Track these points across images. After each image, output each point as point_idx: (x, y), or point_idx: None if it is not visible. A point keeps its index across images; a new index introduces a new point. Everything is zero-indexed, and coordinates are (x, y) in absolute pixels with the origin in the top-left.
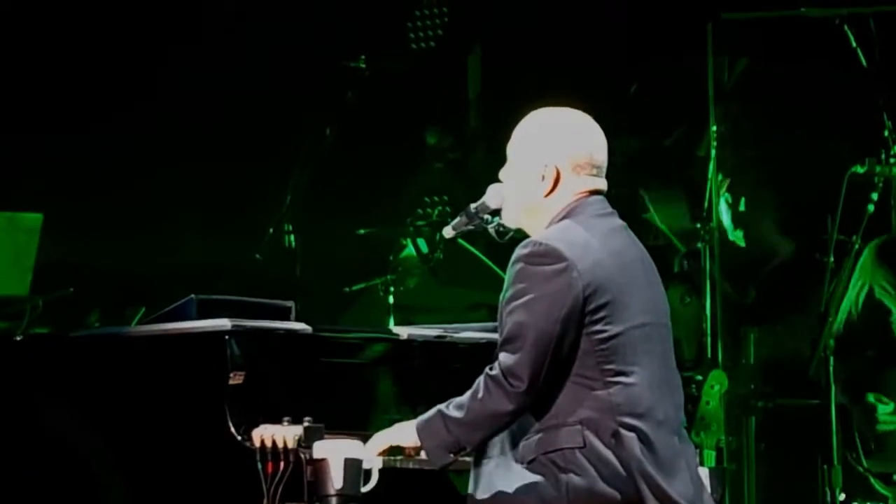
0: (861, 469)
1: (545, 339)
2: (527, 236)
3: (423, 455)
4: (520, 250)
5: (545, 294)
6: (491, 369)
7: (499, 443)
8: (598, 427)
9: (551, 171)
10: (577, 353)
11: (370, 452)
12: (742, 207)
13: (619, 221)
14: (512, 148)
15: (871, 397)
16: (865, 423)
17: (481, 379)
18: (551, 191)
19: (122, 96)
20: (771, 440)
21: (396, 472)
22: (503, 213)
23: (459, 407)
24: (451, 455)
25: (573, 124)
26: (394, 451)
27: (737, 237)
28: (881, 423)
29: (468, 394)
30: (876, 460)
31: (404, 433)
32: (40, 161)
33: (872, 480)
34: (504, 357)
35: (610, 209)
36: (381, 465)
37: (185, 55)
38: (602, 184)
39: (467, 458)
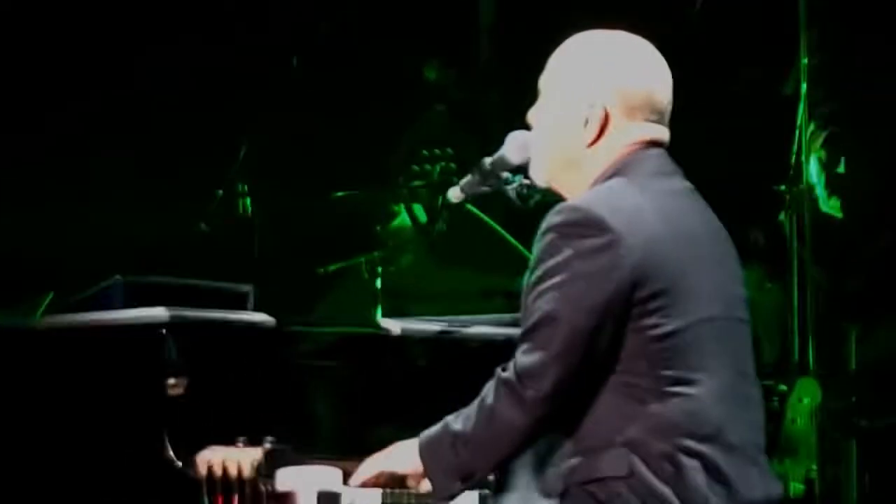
0: None
1: (577, 334)
2: (560, 200)
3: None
4: (551, 217)
5: (581, 275)
6: (504, 370)
7: (523, 471)
8: (650, 451)
9: (598, 113)
10: (621, 355)
11: (357, 483)
12: (841, 169)
13: (684, 183)
14: (546, 83)
15: None
16: None
17: (492, 382)
18: (597, 139)
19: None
20: (878, 470)
21: None
22: (531, 169)
23: (467, 419)
24: (460, 483)
25: (628, 53)
26: (392, 480)
27: (833, 208)
28: None
29: (476, 402)
30: None
31: (403, 456)
32: None
33: None
34: (521, 354)
35: (673, 166)
36: (370, 502)
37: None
38: (664, 133)
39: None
